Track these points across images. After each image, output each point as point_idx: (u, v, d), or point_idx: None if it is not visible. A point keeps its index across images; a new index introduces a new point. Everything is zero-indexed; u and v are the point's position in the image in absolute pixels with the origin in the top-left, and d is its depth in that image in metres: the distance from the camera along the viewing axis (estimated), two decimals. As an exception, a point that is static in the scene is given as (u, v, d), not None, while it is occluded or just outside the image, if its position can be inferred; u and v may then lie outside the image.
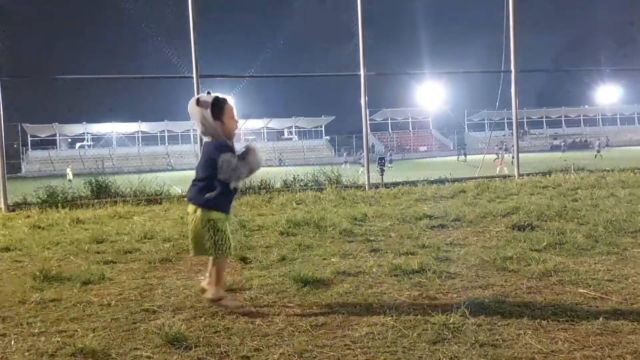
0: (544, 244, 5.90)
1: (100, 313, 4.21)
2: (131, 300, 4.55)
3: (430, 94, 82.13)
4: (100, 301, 4.54)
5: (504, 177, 15.59)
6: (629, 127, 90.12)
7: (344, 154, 62.59)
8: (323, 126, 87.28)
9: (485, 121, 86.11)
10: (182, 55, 14.25)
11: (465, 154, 51.97)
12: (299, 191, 13.27)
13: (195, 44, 13.45)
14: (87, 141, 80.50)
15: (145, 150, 78.30)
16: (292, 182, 14.87)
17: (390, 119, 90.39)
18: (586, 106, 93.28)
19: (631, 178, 13.18)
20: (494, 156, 28.58)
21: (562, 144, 70.38)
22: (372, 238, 6.94)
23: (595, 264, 5.12)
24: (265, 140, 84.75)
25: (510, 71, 15.86)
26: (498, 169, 22.23)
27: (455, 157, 51.84)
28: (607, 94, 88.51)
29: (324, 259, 5.85)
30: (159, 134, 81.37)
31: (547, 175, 15.32)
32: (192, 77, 13.57)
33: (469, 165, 22.70)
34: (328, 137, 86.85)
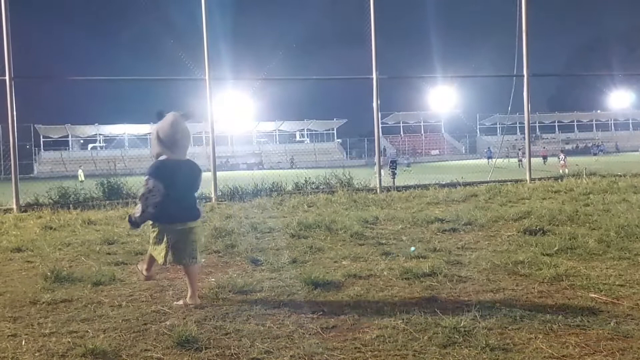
0: (556, 248, 5.86)
1: (111, 314, 4.23)
2: (142, 301, 4.57)
3: (443, 98, 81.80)
4: (111, 302, 4.57)
5: (516, 181, 15.50)
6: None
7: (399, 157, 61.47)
8: (335, 129, 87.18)
9: (498, 125, 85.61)
10: (194, 57, 14.32)
11: (490, 157, 50.67)
12: (311, 194, 13.29)
13: (207, 46, 13.53)
14: (99, 142, 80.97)
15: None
16: (303, 184, 14.89)
17: (402, 122, 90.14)
18: (598, 111, 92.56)
19: (646, 183, 13.07)
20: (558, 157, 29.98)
21: (596, 147, 68.99)
22: (384, 241, 6.94)
23: (606, 268, 5.08)
24: (277, 142, 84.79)
25: (523, 75, 15.79)
26: (561, 170, 22.56)
27: (486, 161, 50.39)
28: (619, 99, 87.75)
29: (335, 262, 5.85)
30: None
31: (559, 180, 15.23)
32: (205, 79, 13.65)
33: (514, 168, 22.55)
34: (340, 140, 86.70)
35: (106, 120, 74.06)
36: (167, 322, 3.96)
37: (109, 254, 6.74)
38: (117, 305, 4.46)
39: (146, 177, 4.22)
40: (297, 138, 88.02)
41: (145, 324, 3.97)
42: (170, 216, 4.31)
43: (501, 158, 31.98)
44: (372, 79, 14.66)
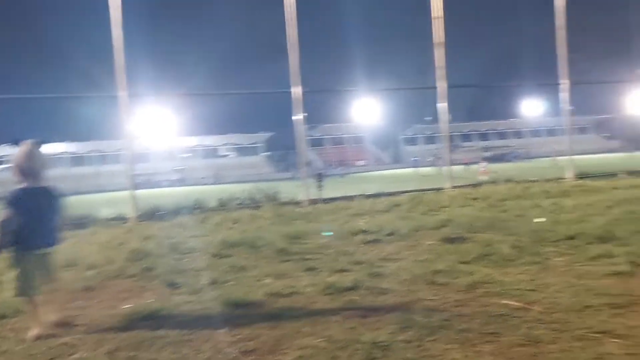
0: (473, 256, 6.03)
1: (16, 349, 3.96)
2: (50, 333, 4.30)
3: (366, 110, 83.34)
4: (17, 336, 4.28)
5: (437, 189, 15.91)
6: (553, 139, 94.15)
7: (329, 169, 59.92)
8: (261, 142, 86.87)
9: (419, 135, 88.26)
10: (112, 73, 13.81)
11: (416, 166, 51.53)
12: (235, 210, 13.10)
13: (120, 62, 13.12)
14: (7, 164, 76.73)
15: (73, 171, 75.35)
16: (228, 200, 14.65)
17: (328, 134, 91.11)
18: (513, 119, 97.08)
19: (555, 188, 13.73)
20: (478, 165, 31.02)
21: (511, 154, 71.86)
22: (308, 256, 6.89)
23: (519, 274, 5.26)
24: (201, 157, 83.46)
25: (436, 87, 16.31)
26: (480, 177, 23.10)
27: (411, 170, 50.98)
28: (532, 107, 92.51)
29: (257, 280, 5.75)
30: (87, 155, 78.62)
31: (478, 187, 15.76)
32: (121, 96, 13.23)
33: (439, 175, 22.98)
34: (267, 153, 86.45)
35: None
36: (76, 355, 3.75)
37: (17, 283, 6.33)
38: (23, 340, 4.18)
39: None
40: (221, 152, 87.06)
41: (52, 358, 3.75)
42: (26, 243, 4.38)
43: (427, 167, 33.10)
44: (292, 92, 14.73)
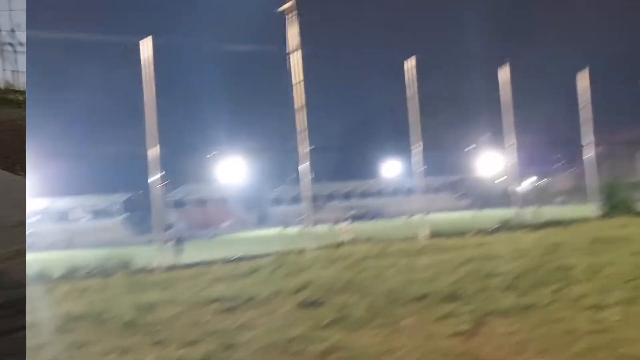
0: (328, 320, 6.02)
1: None
2: None
3: (230, 170, 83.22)
4: None
5: (300, 250, 15.93)
6: (409, 198, 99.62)
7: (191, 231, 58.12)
8: (118, 204, 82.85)
9: (284, 196, 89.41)
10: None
11: (284, 226, 51.91)
12: (84, 279, 12.14)
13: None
14: None
15: None
16: (77, 268, 13.55)
17: (191, 195, 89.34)
18: (373, 179, 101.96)
19: (410, 247, 14.34)
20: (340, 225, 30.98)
21: (372, 212, 74.52)
22: (158, 328, 6.48)
23: (372, 337, 5.31)
24: (51, 221, 77.60)
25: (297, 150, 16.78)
26: (343, 237, 23.12)
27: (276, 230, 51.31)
28: (391, 169, 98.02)
29: (101, 357, 5.27)
30: None
31: (339, 247, 16.04)
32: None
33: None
34: (124, 216, 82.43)
35: None
36: None
37: None
38: None
39: None
40: (75, 215, 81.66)
41: None
42: None
43: (292, 227, 33.43)
44: (148, 153, 14.36)
